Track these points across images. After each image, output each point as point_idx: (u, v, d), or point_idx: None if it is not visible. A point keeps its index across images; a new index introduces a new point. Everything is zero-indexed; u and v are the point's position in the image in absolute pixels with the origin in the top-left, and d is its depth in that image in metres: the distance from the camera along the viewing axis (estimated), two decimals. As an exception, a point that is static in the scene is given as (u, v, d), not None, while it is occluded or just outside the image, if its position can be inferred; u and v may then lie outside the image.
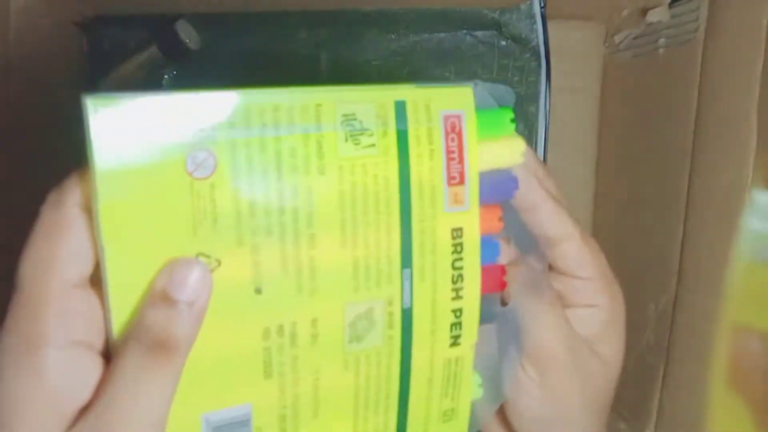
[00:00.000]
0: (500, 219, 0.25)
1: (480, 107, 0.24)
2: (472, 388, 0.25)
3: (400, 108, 0.22)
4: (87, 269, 0.18)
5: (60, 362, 0.17)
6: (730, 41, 0.35)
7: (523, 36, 0.47)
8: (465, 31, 0.48)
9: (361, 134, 0.21)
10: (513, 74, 0.48)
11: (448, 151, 0.23)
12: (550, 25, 0.47)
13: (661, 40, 0.41)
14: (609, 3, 0.46)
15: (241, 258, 0.20)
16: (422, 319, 0.23)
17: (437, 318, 0.24)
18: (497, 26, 0.47)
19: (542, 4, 0.46)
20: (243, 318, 0.21)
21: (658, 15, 0.42)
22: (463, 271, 0.24)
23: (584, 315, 0.27)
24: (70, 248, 0.18)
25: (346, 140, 0.21)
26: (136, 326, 0.18)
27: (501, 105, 0.26)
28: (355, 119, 0.21)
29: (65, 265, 0.18)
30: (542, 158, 0.48)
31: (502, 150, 0.25)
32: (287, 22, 0.48)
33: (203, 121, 0.20)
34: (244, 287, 0.21)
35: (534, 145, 0.48)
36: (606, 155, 0.50)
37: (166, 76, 0.49)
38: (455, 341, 0.24)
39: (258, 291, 0.21)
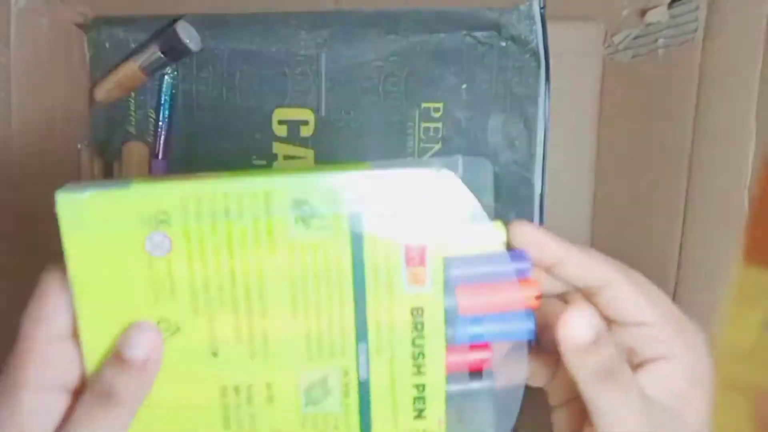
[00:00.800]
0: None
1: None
2: None
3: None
4: (69, 325, 0.22)
5: (32, 404, 0.21)
6: (729, 42, 0.35)
7: (523, 37, 0.47)
8: (464, 31, 0.48)
9: (312, 218, 0.23)
10: (512, 75, 0.48)
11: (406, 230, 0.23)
12: (549, 25, 0.47)
13: (661, 41, 0.41)
14: (608, 4, 0.46)
15: (198, 325, 0.23)
16: (381, 391, 0.25)
17: (397, 391, 0.25)
18: (497, 27, 0.47)
19: (542, 5, 0.46)
20: (202, 376, 0.24)
21: (657, 15, 0.42)
22: (425, 349, 0.24)
23: (659, 372, 0.23)
24: (56, 309, 0.22)
25: (297, 223, 0.23)
26: (93, 377, 0.22)
27: (476, 180, 0.24)
28: (306, 204, 0.23)
29: (50, 322, 0.22)
30: (542, 159, 0.49)
31: (480, 236, 0.24)
32: (287, 22, 0.48)
33: (159, 210, 0.22)
34: (202, 350, 0.24)
35: (533, 146, 0.48)
36: (605, 156, 0.50)
37: (166, 77, 0.49)
38: (419, 414, 0.25)
39: (215, 354, 0.24)
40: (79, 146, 0.48)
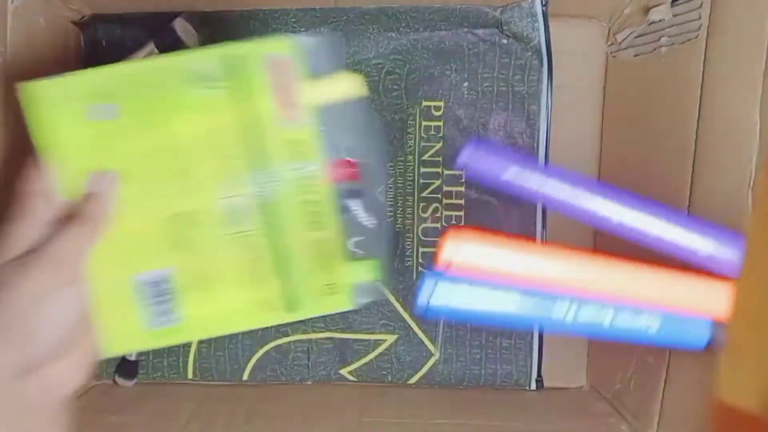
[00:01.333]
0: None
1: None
2: (348, 269, 0.33)
3: (237, 60, 0.31)
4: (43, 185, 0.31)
5: (24, 229, 0.30)
6: (733, 40, 0.35)
7: (525, 34, 0.47)
8: (466, 29, 0.48)
9: (209, 81, 0.31)
10: (514, 72, 0.48)
11: (276, 84, 0.31)
12: (551, 23, 0.47)
13: (663, 39, 0.41)
14: (611, 1, 0.46)
15: (144, 172, 0.31)
16: (280, 208, 0.32)
17: (294, 207, 0.32)
18: (498, 24, 0.47)
19: (544, 2, 0.46)
20: (151, 209, 0.32)
21: (660, 14, 0.41)
22: (309, 174, 0.32)
23: None
24: (30, 178, 0.31)
25: (198, 86, 0.31)
26: (69, 209, 0.31)
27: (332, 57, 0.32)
28: (199, 74, 0.31)
29: (25, 184, 0.31)
30: (544, 156, 0.48)
31: (336, 85, 0.32)
32: (286, 20, 0.48)
33: (102, 86, 0.31)
34: (148, 190, 0.31)
35: (536, 144, 0.48)
36: (608, 153, 0.50)
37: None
38: (316, 225, 0.32)
39: (158, 190, 0.31)
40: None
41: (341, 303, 0.33)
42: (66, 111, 0.31)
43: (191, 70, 0.31)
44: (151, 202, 0.31)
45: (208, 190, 0.32)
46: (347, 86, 0.32)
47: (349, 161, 0.32)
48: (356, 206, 0.33)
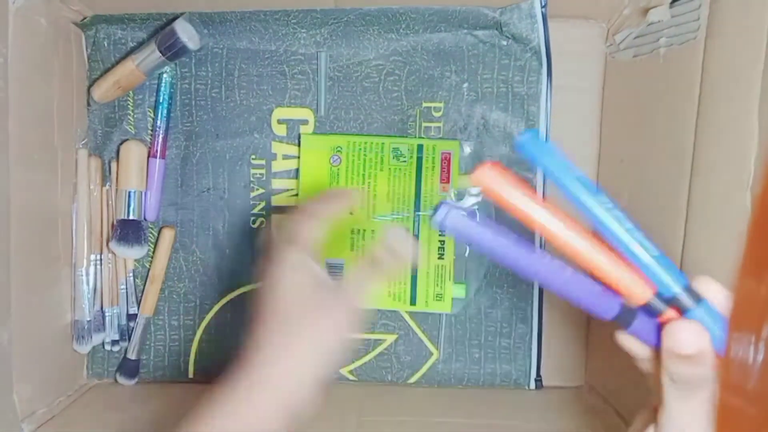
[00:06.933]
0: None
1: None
2: (453, 286, 0.49)
3: (420, 148, 0.48)
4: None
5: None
6: (731, 41, 0.35)
7: (524, 35, 0.47)
8: (466, 30, 0.48)
9: (400, 156, 0.48)
10: (514, 73, 0.48)
11: (442, 167, 0.48)
12: (550, 24, 0.47)
13: (662, 40, 0.41)
14: (609, 2, 0.46)
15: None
16: (423, 240, 0.48)
17: (431, 243, 0.48)
18: (498, 26, 0.47)
19: (543, 4, 0.46)
20: (346, 222, 0.48)
21: (658, 14, 0.41)
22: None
23: None
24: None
25: (392, 158, 0.48)
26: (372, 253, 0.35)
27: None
28: (398, 150, 0.48)
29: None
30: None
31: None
32: (287, 21, 0.48)
33: (339, 145, 0.49)
34: (345, 211, 0.39)
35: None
36: (607, 154, 0.50)
37: (164, 76, 0.49)
38: (441, 256, 0.48)
39: (351, 213, 0.48)
40: (77, 145, 0.48)
41: (444, 307, 0.49)
42: (322, 156, 0.49)
43: (393, 148, 0.48)
44: (347, 219, 0.48)
45: (382, 217, 0.48)
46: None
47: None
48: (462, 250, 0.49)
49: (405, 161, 0.48)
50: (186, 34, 0.46)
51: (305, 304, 0.32)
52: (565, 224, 0.27)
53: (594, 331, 0.51)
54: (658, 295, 0.26)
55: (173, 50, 0.46)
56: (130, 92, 0.49)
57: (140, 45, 0.48)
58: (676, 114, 0.39)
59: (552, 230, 0.27)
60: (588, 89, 0.50)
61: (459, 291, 0.49)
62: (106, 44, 0.49)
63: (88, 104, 0.49)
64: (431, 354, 0.50)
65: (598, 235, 0.28)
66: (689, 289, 0.26)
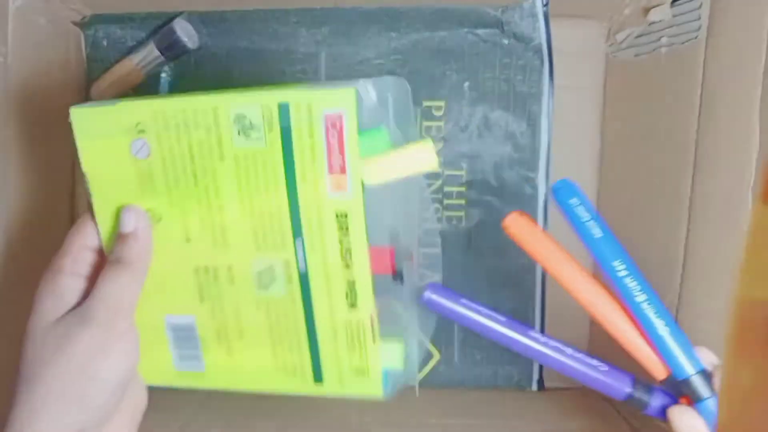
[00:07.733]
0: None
1: (363, 128, 0.28)
2: (378, 354, 0.30)
3: (284, 109, 0.28)
4: (95, 240, 0.31)
5: (65, 283, 0.30)
6: (732, 41, 0.35)
7: (526, 34, 0.47)
8: (467, 29, 0.48)
9: (251, 130, 0.28)
10: (515, 73, 0.48)
11: (329, 145, 0.28)
12: (552, 23, 0.47)
13: (663, 39, 0.41)
14: (611, 2, 0.46)
15: (175, 216, 0.30)
16: (318, 281, 0.30)
17: (332, 283, 0.30)
18: (499, 24, 0.47)
19: (545, 3, 0.46)
20: (180, 257, 0.31)
21: (659, 14, 0.41)
22: (351, 248, 0.29)
23: None
24: (86, 230, 0.31)
25: (239, 134, 0.28)
26: (108, 254, 0.31)
27: (398, 98, 0.29)
28: (245, 119, 0.28)
29: (82, 237, 0.31)
30: (546, 156, 0.48)
31: (412, 156, 0.28)
32: (287, 20, 0.48)
33: (137, 121, 0.29)
34: (178, 236, 0.30)
35: (537, 145, 0.48)
36: (609, 153, 0.50)
37: (164, 75, 0.48)
38: (353, 304, 0.30)
39: (188, 240, 0.31)
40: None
41: (371, 388, 0.31)
42: (112, 143, 0.29)
43: (236, 116, 0.28)
44: (182, 250, 0.30)
45: (242, 247, 0.30)
46: (419, 160, 0.28)
47: (388, 251, 0.30)
48: (393, 291, 0.31)
49: (260, 139, 0.28)
50: (185, 33, 0.46)
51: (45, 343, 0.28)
52: (589, 283, 0.28)
53: (596, 333, 0.51)
54: (672, 377, 0.28)
55: (172, 50, 0.46)
56: (130, 91, 0.49)
57: (139, 44, 0.48)
58: (678, 113, 0.39)
59: (577, 288, 0.28)
60: (589, 88, 0.50)
61: (393, 356, 0.31)
62: (105, 43, 0.49)
63: (87, 104, 0.49)
64: (432, 356, 0.50)
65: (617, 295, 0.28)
66: (704, 373, 0.27)
